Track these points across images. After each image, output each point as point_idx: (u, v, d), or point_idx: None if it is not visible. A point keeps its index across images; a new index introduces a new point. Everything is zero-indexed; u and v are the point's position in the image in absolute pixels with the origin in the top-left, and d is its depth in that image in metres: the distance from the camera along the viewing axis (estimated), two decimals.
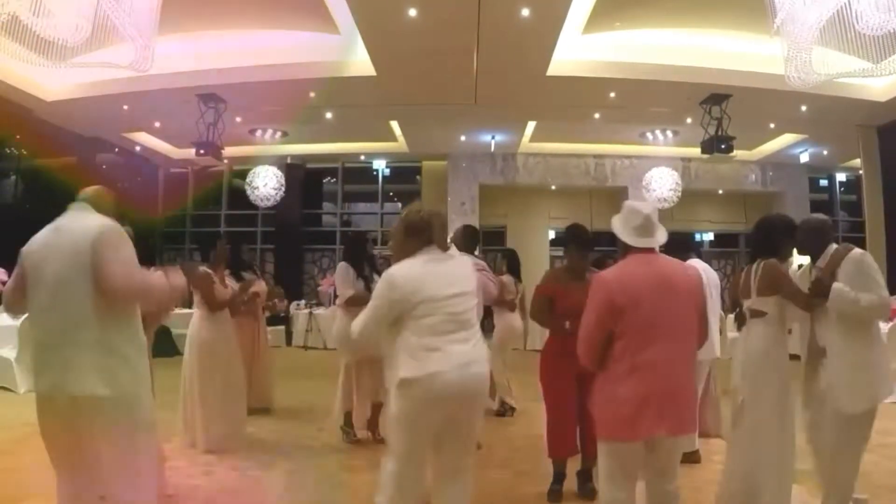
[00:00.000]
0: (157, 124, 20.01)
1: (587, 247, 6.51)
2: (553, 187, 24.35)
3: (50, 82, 16.52)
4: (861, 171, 19.88)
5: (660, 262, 4.50)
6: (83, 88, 16.64)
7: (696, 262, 7.01)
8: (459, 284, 4.61)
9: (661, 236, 4.55)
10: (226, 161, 20.28)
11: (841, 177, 26.28)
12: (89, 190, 4.50)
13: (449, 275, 4.61)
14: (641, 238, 4.48)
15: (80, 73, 14.78)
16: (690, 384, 4.42)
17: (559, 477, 6.31)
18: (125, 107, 17.50)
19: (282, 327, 19.42)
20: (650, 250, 4.50)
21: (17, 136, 18.50)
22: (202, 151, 17.23)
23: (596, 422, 4.46)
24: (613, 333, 4.28)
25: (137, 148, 22.71)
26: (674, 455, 4.43)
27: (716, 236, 26.15)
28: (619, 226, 4.58)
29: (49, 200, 18.44)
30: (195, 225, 26.33)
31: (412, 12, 12.61)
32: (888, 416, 10.02)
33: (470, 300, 4.63)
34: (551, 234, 25.32)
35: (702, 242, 25.79)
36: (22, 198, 18.89)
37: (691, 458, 7.01)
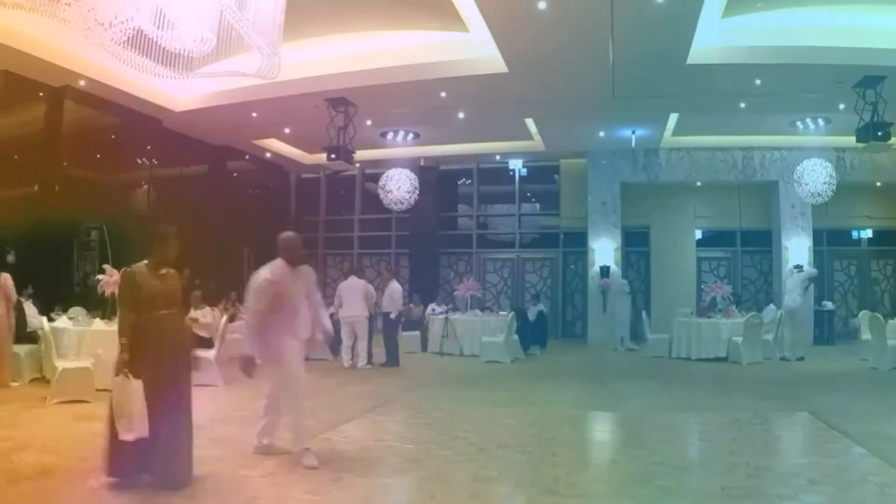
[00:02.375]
0: (287, 130, 20.54)
1: None
2: (698, 183, 23.99)
3: (178, 93, 17.17)
4: None
5: None
6: (211, 97, 17.22)
7: None
8: None
9: None
10: (357, 165, 20.65)
11: None
12: None
13: None
14: None
15: (209, 82, 15.30)
16: None
17: None
18: (254, 114, 18.02)
19: (416, 332, 19.61)
20: None
21: (148, 147, 19.19)
22: (333, 156, 17.60)
23: None
24: None
25: (268, 154, 23.34)
26: None
27: (874, 233, 25.28)
28: None
29: (181, 209, 19.15)
30: (328, 230, 26.80)
31: (542, 4, 12.59)
32: None
33: None
34: (698, 234, 24.97)
35: (859, 240, 25.04)
36: (154, 207, 19.51)
37: None
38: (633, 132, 21.24)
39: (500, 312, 20.72)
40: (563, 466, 7.27)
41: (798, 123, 20.29)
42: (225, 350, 13.56)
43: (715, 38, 14.83)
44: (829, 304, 22.56)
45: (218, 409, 10.39)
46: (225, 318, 14.29)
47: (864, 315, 18.14)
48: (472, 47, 15.35)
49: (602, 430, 10.37)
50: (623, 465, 7.55)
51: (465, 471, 7.10)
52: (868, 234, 25.21)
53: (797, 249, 22.41)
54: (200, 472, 6.58)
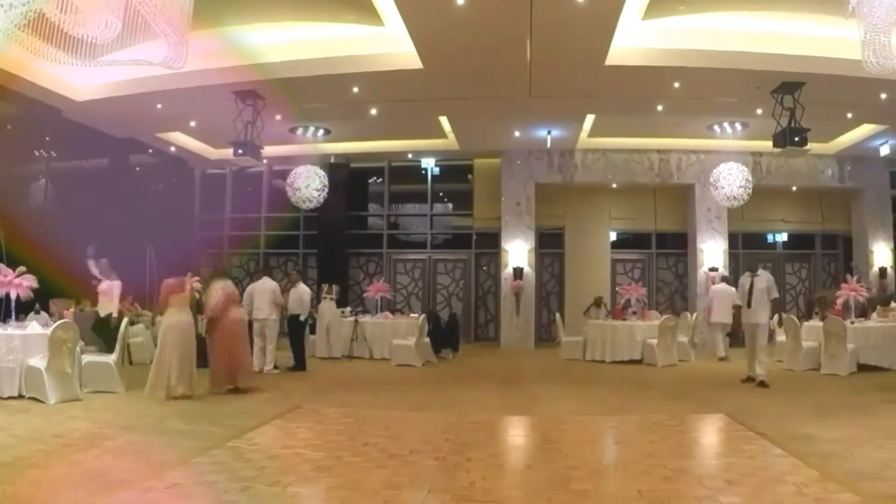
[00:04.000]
0: (193, 123, 20.23)
1: None
2: (614, 185, 24.29)
3: (80, 81, 16.78)
4: None
5: None
6: (115, 87, 16.87)
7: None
8: None
9: None
10: (265, 161, 20.48)
11: None
12: None
13: None
14: None
15: (112, 71, 14.97)
16: None
17: None
18: (159, 106, 17.71)
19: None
20: None
21: (47, 138, 18.79)
22: (240, 151, 17.42)
23: None
24: None
25: (172, 148, 22.98)
26: None
27: (790, 237, 25.86)
28: None
29: (80, 204, 18.74)
30: (233, 229, 26.54)
31: (459, 0, 12.62)
32: None
33: None
34: (613, 236, 25.28)
35: (774, 244, 25.60)
36: (52, 201, 19.14)
37: None
38: (549, 132, 21.39)
39: (412, 315, 20.69)
40: (478, 472, 7.25)
41: (715, 127, 20.68)
42: (126, 354, 13.31)
43: (635, 40, 15.01)
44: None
45: (120, 417, 10.26)
46: (126, 320, 13.86)
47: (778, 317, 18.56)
48: (387, 42, 15.32)
49: (517, 434, 10.38)
50: (539, 470, 7.54)
51: (376, 478, 7.02)
52: (783, 237, 25.80)
53: (712, 252, 22.83)
54: (103, 483, 6.50)
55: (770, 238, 25.80)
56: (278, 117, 18.78)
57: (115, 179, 21.42)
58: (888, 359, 15.64)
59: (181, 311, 12.29)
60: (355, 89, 16.89)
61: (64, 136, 18.98)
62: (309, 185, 20.04)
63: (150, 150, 22.85)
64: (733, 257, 23.52)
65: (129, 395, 12.16)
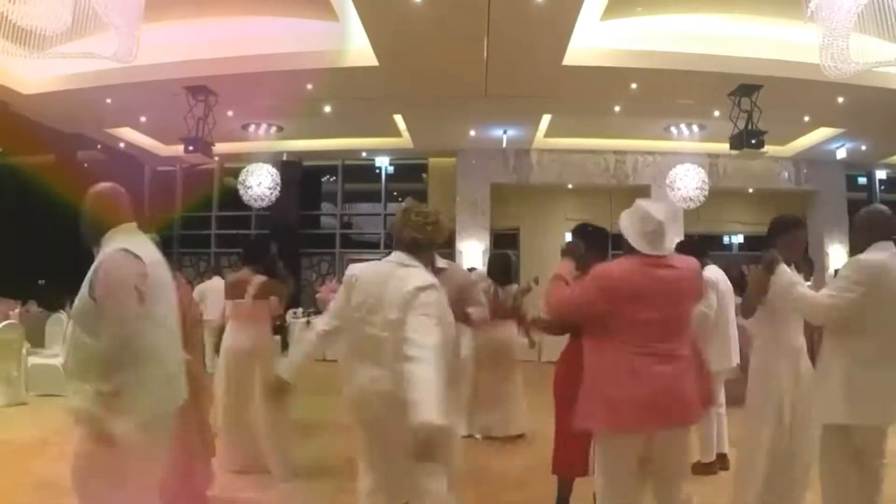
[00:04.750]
0: (143, 119, 20.03)
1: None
2: (570, 186, 24.37)
3: (28, 74, 16.54)
4: None
5: (670, 263, 4.63)
6: (63, 81, 16.63)
7: (712, 270, 7.01)
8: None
9: (671, 243, 4.64)
10: (216, 158, 20.36)
11: (881, 174, 26.31)
12: None
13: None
14: (652, 246, 4.59)
15: (61, 64, 14.77)
16: (690, 384, 4.49)
17: (562, 501, 6.32)
18: (108, 100, 17.50)
19: (277, 337, 19.40)
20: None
21: None
22: (191, 148, 17.24)
23: (587, 415, 4.56)
24: (609, 327, 4.49)
25: (122, 144, 22.72)
26: (674, 452, 4.52)
27: (746, 238, 26.10)
28: (630, 228, 4.76)
29: (25, 201, 18.45)
30: (184, 228, 26.35)
31: None
32: None
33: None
34: (567, 237, 25.33)
35: (731, 245, 25.81)
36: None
37: (705, 469, 7.25)
38: (505, 132, 21.42)
39: None
40: None
41: (672, 129, 20.81)
42: None
43: (593, 40, 15.07)
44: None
45: (69, 422, 10.12)
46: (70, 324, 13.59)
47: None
48: (342, 38, 15.26)
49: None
50: None
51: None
52: (740, 239, 26.03)
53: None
54: (55, 490, 6.41)
55: (726, 240, 26.03)
56: (230, 113, 18.64)
57: (62, 176, 21.14)
58: None
59: None
60: (309, 86, 16.81)
61: (9, 130, 18.69)
62: (261, 184, 19.95)
63: (99, 146, 22.60)
64: None
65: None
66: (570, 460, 6.08)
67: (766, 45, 15.22)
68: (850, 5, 8.64)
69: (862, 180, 26.58)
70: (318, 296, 21.49)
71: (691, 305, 4.67)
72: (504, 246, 24.61)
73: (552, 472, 6.31)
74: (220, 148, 18.81)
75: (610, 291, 4.49)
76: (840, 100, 16.93)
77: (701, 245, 7.96)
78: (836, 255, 23.74)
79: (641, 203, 4.76)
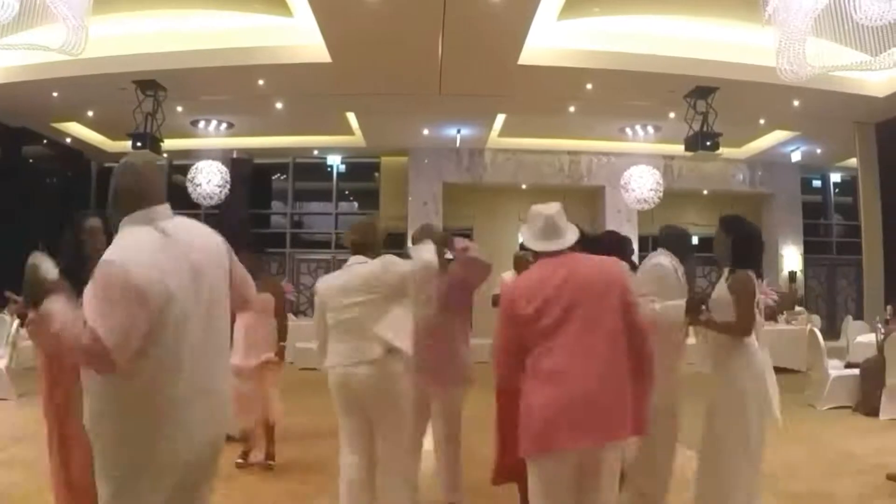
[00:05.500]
0: (90, 114, 19.80)
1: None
2: (524, 186, 24.41)
3: None
4: (857, 172, 20.08)
5: (573, 263, 4.50)
6: (8, 73, 16.42)
7: (661, 257, 6.94)
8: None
9: (570, 236, 4.59)
10: (165, 155, 20.14)
11: (835, 177, 26.69)
12: None
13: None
14: (544, 241, 4.56)
15: (6, 56, 14.64)
16: (618, 389, 4.32)
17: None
18: (55, 94, 17.32)
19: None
20: (558, 253, 4.54)
21: None
22: (139, 144, 17.07)
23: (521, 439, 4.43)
24: (526, 342, 4.37)
25: (68, 140, 22.48)
26: (603, 469, 4.36)
27: (700, 240, 26.22)
28: (525, 230, 4.82)
29: None
30: None
31: None
32: (886, 432, 10.32)
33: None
34: (521, 238, 25.39)
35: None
36: None
37: None
38: (459, 131, 21.46)
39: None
40: None
41: (627, 130, 20.97)
42: (18, 358, 12.91)
43: (549, 40, 15.13)
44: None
45: (11, 427, 10.02)
46: (16, 322, 13.38)
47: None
48: (295, 34, 15.20)
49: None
50: None
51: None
52: (694, 240, 26.15)
53: None
54: None
55: None
56: (179, 109, 18.50)
57: (6, 172, 20.92)
58: (797, 361, 15.92)
59: None
60: (261, 82, 16.74)
61: None
62: (210, 181, 19.77)
63: (45, 141, 22.38)
64: (643, 260, 23.81)
65: (21, 403, 11.88)
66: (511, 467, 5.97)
67: (722, 48, 15.38)
68: (808, 9, 8.73)
69: (817, 183, 26.97)
70: None
71: (608, 303, 4.44)
72: None
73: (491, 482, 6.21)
74: (169, 144, 18.61)
75: (513, 313, 4.38)
76: (795, 103, 17.14)
77: (620, 239, 7.82)
78: (791, 257, 23.99)
79: (533, 206, 4.78)
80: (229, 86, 17.04)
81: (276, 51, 15.55)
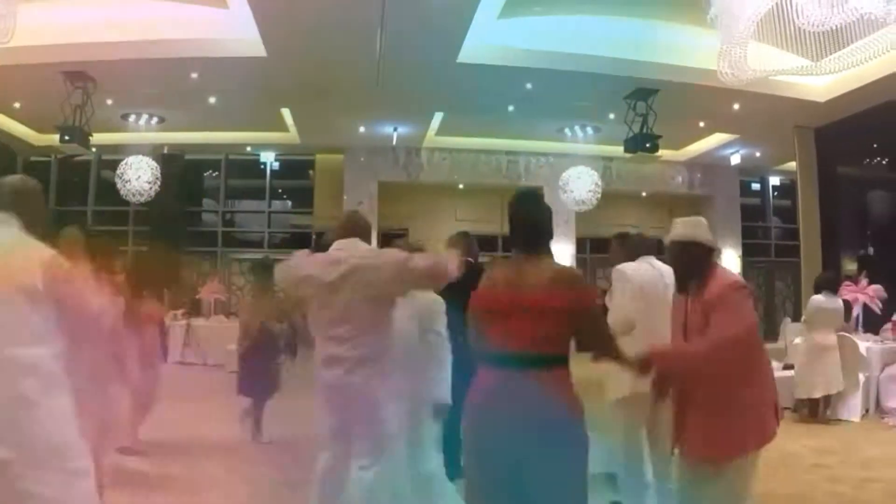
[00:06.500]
0: (17, 105, 19.51)
1: None
2: (461, 186, 24.52)
3: None
4: (797, 175, 20.38)
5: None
6: None
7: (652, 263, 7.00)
8: None
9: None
10: (94, 149, 19.91)
11: (774, 180, 27.08)
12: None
13: None
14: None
15: None
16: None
17: None
18: None
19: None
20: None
21: None
22: (67, 138, 16.92)
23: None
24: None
25: None
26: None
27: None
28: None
29: None
30: (58, 222, 25.72)
31: None
32: (825, 432, 10.51)
33: None
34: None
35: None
36: None
37: None
38: (396, 129, 21.45)
39: None
40: None
41: (566, 130, 21.11)
42: None
43: (490, 38, 15.17)
44: None
45: None
46: None
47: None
48: (231, 26, 15.06)
49: None
50: None
51: None
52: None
53: (560, 256, 22.95)
54: None
55: None
56: (110, 102, 18.29)
57: None
58: None
59: None
60: (194, 75, 16.62)
61: None
62: (140, 178, 19.56)
63: None
64: (581, 262, 24.05)
65: None
66: None
67: (663, 50, 15.56)
68: (751, 13, 8.85)
69: (756, 186, 27.34)
70: (198, 297, 21.21)
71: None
72: (392, 247, 24.55)
73: None
74: (98, 138, 18.39)
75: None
76: (736, 106, 17.40)
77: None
78: (729, 260, 24.26)
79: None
80: (161, 79, 16.86)
81: (210, 44, 15.42)
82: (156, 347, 9.64)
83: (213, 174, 26.54)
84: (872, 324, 14.19)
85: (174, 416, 9.96)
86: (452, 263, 5.59)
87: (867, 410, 11.79)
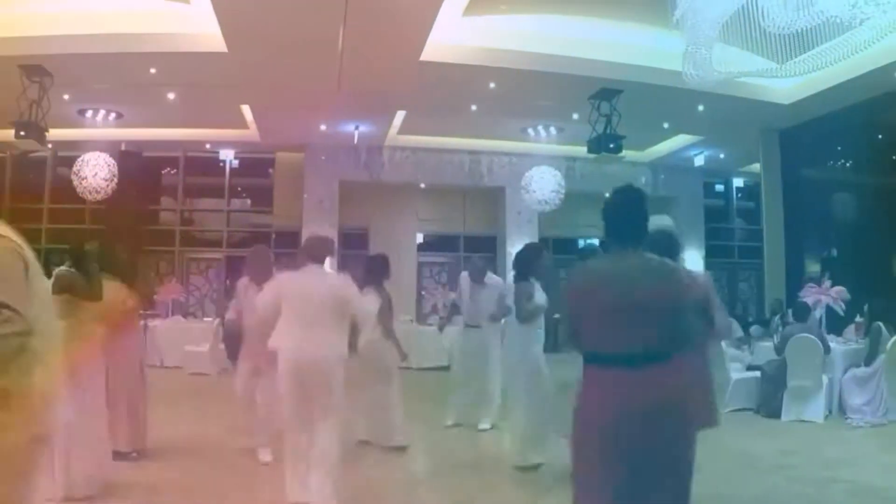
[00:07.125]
0: None
1: None
2: (423, 185, 24.56)
3: None
4: (761, 177, 20.55)
5: None
6: None
7: None
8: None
9: None
10: (50, 146, 19.77)
11: (738, 182, 27.31)
12: None
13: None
14: None
15: None
16: None
17: None
18: None
19: None
20: None
21: None
22: (23, 133, 16.72)
23: None
24: None
25: None
26: None
27: (602, 243, 26.54)
28: None
29: None
30: (12, 221, 25.48)
31: None
32: (788, 433, 10.60)
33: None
34: (420, 238, 25.47)
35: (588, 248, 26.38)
36: None
37: None
38: (357, 127, 21.46)
39: (206, 319, 20.30)
40: None
41: (530, 130, 21.19)
42: None
43: (453, 36, 15.22)
44: (556, 315, 23.58)
45: None
46: None
47: None
48: (191, 21, 15.04)
49: None
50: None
51: None
52: (595, 242, 26.50)
53: None
54: None
55: (581, 243, 26.50)
56: (66, 97, 18.16)
57: None
58: None
59: None
60: (153, 70, 16.50)
61: None
62: (97, 175, 19.39)
63: None
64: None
65: None
66: None
67: (628, 50, 15.66)
68: (717, 15, 8.92)
69: (719, 188, 27.53)
70: (155, 297, 21.06)
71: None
72: (353, 247, 24.57)
73: None
74: (55, 134, 18.19)
75: None
76: (700, 108, 17.55)
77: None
78: (693, 261, 24.39)
79: None
80: (119, 73, 16.74)
81: (169, 38, 15.32)
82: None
83: (172, 171, 26.36)
84: (835, 325, 14.35)
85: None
86: None
87: (830, 411, 11.90)
